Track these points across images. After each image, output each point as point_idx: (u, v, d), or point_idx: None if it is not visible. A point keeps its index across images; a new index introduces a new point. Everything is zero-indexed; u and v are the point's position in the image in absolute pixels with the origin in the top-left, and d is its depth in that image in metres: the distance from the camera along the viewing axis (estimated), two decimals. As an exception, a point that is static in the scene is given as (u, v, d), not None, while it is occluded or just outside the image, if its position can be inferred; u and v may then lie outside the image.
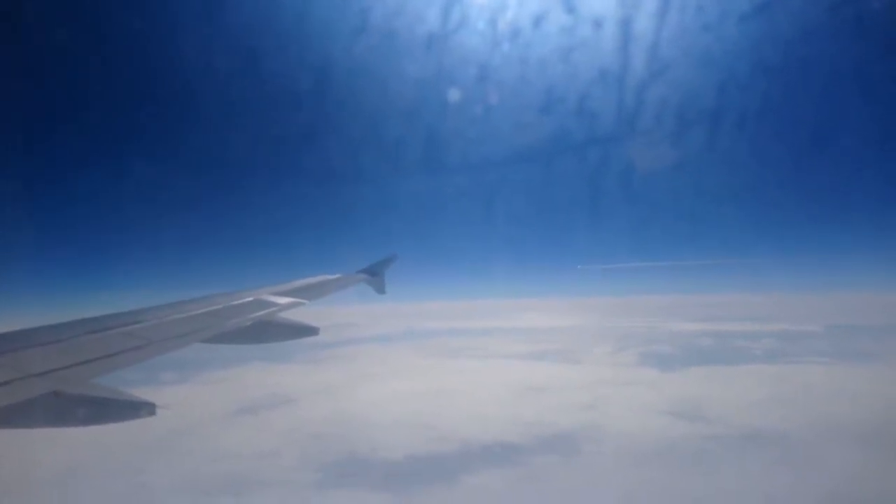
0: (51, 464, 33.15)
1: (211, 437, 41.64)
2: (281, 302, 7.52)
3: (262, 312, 6.95)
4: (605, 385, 54.49)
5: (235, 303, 7.14)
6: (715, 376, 57.49)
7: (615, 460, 36.20)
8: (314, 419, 45.08)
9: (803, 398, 47.50)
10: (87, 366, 4.84)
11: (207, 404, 48.98)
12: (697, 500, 30.18)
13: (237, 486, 33.16)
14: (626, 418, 43.62)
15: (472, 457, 36.98)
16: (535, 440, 39.67)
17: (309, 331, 7.19)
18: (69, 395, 4.39)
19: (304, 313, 7.47)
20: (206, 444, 40.24)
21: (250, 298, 7.42)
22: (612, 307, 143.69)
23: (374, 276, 11.09)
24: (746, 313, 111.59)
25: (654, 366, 63.36)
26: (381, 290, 11.29)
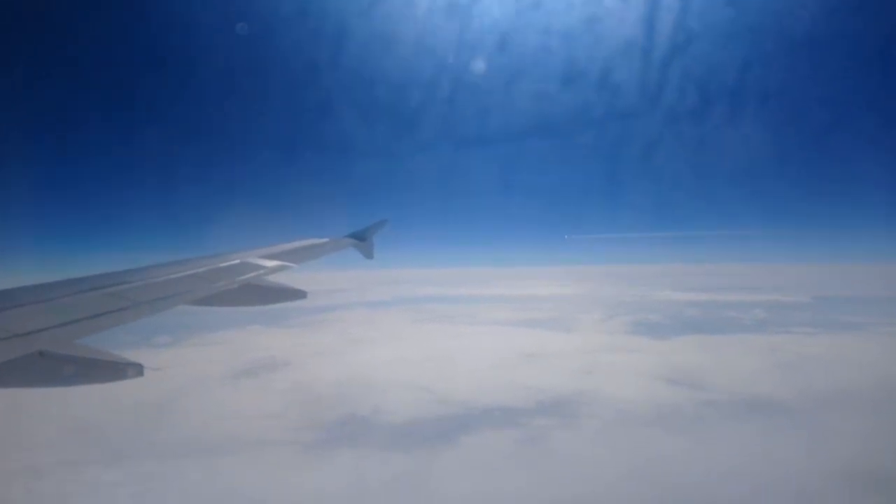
0: (44, 422, 33.51)
1: (211, 398, 42.18)
2: (268, 265, 7.47)
3: (249, 275, 6.91)
4: (598, 352, 55.22)
5: (222, 265, 7.09)
6: (706, 345, 58.37)
7: (613, 424, 36.99)
8: (312, 381, 45.61)
9: (793, 367, 48.35)
10: (72, 326, 4.82)
11: (203, 366, 49.42)
12: (693, 462, 30.94)
13: (242, 445, 33.73)
14: (621, 384, 44.41)
15: (473, 419, 37.67)
16: (533, 404, 40.43)
17: (297, 294, 7.17)
18: (55, 355, 4.38)
19: (291, 277, 7.46)
20: (206, 404, 40.78)
21: (237, 261, 7.37)
22: (600, 276, 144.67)
23: (363, 241, 11.04)
24: (736, 283, 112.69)
25: (645, 334, 64.16)
26: (369, 255, 11.26)
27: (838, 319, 69.15)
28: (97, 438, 33.93)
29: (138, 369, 4.72)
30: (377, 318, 79.64)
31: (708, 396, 41.47)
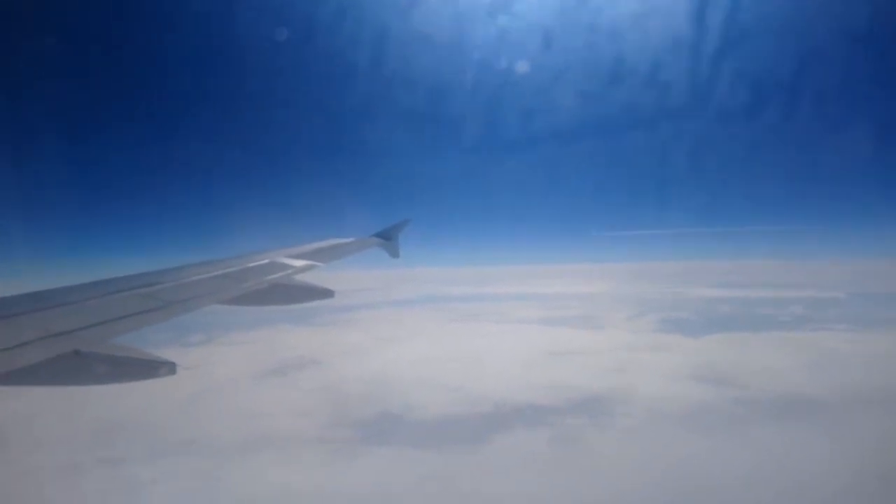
0: (81, 420, 34.41)
1: (243, 396, 42.85)
2: (296, 264, 7.56)
3: (277, 275, 6.99)
4: (629, 350, 54.53)
5: (251, 265, 7.19)
6: (741, 342, 57.21)
7: (647, 423, 36.51)
8: (342, 380, 45.94)
9: (832, 364, 47.13)
10: (106, 326, 4.92)
11: (235, 365, 50.24)
12: (729, 462, 30.43)
13: (276, 443, 34.17)
14: (654, 383, 43.75)
15: (505, 418, 37.54)
16: (564, 403, 40.08)
17: (324, 293, 7.22)
18: (89, 354, 4.47)
19: (318, 276, 7.52)
20: (239, 402, 41.46)
21: (266, 261, 7.48)
22: (628, 273, 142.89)
23: (388, 240, 11.09)
24: (769, 280, 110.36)
25: (676, 332, 63.12)
26: (395, 254, 11.30)
27: (876, 316, 67.18)
28: (133, 436, 34.69)
29: (171, 368, 4.79)
30: (404, 316, 79.91)
31: (744, 395, 40.65)
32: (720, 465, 30.28)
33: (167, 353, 4.86)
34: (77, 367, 4.34)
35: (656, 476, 29.13)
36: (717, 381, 43.67)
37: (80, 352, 4.37)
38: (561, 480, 29.60)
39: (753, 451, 31.82)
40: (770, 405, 38.63)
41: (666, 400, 40.09)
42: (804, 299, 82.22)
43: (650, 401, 40.04)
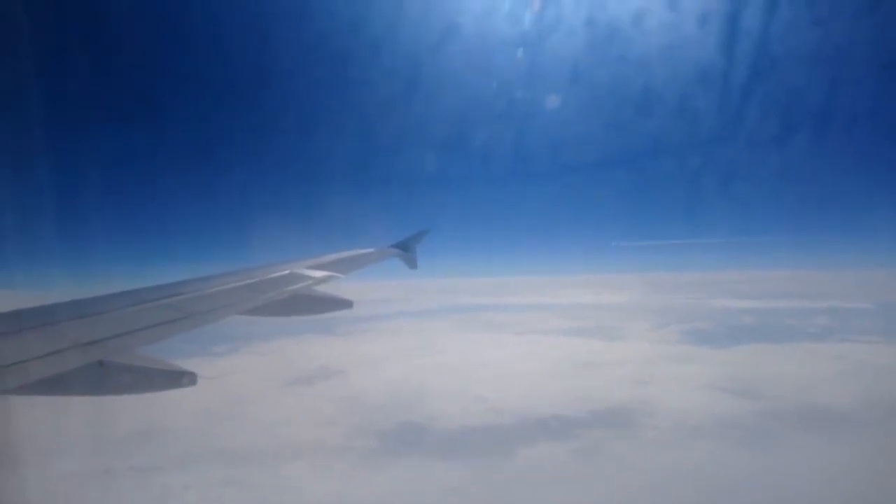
0: (109, 428, 34.85)
1: (271, 405, 43.20)
2: (315, 275, 7.64)
3: (297, 286, 7.07)
4: (652, 361, 53.84)
5: (271, 276, 7.28)
6: (767, 354, 56.21)
7: (675, 436, 35.94)
8: (365, 389, 46.01)
9: (861, 377, 46.05)
10: (130, 336, 5.01)
11: (261, 374, 50.77)
12: (755, 476, 29.87)
13: (301, 452, 34.30)
14: (680, 395, 43.11)
15: (528, 429, 37.23)
16: (588, 415, 39.59)
17: (344, 304, 7.29)
18: (113, 365, 4.55)
19: (338, 287, 7.58)
20: (267, 411, 41.79)
21: (286, 272, 7.57)
22: (650, 283, 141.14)
23: (406, 251, 11.15)
24: (793, 290, 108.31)
25: (700, 343, 62.20)
26: (413, 265, 11.36)
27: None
28: (161, 445, 35.02)
29: (192, 378, 4.86)
30: (424, 327, 79.86)
31: (774, 407, 39.83)
32: (749, 478, 29.70)
33: (192, 364, 4.93)
34: (102, 377, 4.43)
35: (685, 489, 28.64)
36: (745, 393, 42.88)
37: (104, 362, 4.46)
38: (586, 493, 29.22)
39: (783, 464, 31.16)
40: (800, 417, 37.81)
41: (694, 412, 39.44)
42: (830, 310, 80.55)
43: (678, 413, 39.41)
